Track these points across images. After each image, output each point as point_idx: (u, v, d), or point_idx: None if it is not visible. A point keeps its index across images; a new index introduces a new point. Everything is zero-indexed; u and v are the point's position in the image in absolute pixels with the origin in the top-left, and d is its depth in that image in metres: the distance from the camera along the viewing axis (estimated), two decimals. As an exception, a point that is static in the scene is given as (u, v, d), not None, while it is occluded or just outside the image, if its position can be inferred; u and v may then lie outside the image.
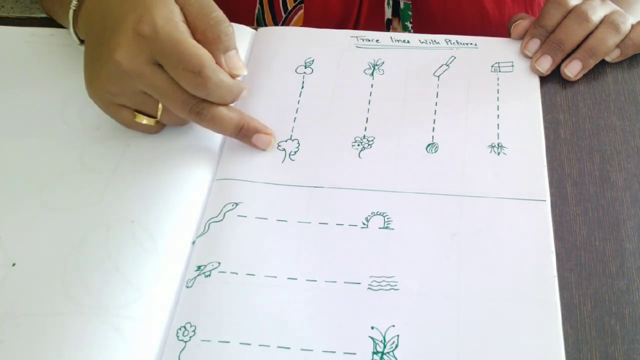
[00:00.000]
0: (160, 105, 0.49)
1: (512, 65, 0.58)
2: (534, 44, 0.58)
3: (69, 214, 0.47)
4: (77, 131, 0.52)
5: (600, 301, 0.44)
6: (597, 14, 0.57)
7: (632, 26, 0.57)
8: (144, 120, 0.50)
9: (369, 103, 0.55)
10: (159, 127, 0.52)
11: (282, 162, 0.51)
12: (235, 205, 0.49)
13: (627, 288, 0.44)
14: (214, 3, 0.50)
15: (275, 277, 0.45)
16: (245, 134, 0.51)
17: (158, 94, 0.48)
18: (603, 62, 0.58)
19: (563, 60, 0.57)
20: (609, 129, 0.54)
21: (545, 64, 0.56)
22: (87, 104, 0.50)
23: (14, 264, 0.44)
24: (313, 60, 0.58)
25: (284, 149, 0.52)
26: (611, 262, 0.46)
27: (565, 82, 0.57)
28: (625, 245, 0.47)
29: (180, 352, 0.42)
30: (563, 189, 0.50)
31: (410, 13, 0.69)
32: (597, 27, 0.57)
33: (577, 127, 0.54)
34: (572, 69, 0.56)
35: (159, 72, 0.47)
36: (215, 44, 0.48)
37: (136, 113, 0.50)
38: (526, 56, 0.58)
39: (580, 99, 0.56)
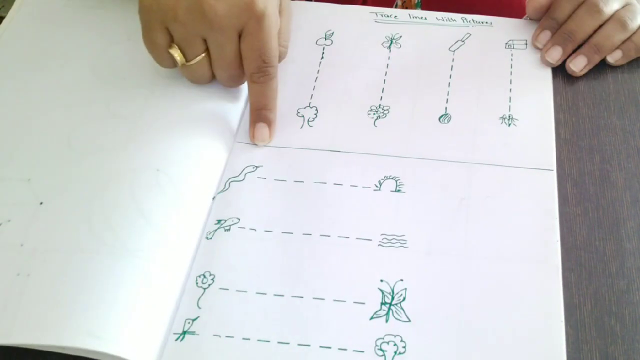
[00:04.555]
0: (201, 56, 0.50)
1: (526, 44, 0.59)
2: (545, 35, 0.58)
3: (95, 158, 0.48)
4: (106, 83, 0.54)
5: (600, 301, 0.44)
6: (609, 6, 0.56)
7: (639, 27, 0.57)
8: (177, 55, 0.50)
9: (386, 74, 0.57)
10: (174, 66, 0.52)
11: (301, 127, 0.54)
12: (255, 168, 0.51)
13: (627, 288, 0.45)
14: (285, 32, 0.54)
15: (292, 233, 0.47)
16: (260, 115, 0.52)
17: (219, 55, 0.50)
18: (603, 62, 0.58)
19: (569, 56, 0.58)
20: (609, 129, 0.54)
21: (556, 55, 0.57)
22: (117, 58, 0.52)
23: (41, 203, 0.46)
24: (333, 33, 0.60)
25: (303, 116, 0.55)
26: (611, 262, 0.46)
27: (566, 82, 0.57)
28: (625, 245, 0.47)
29: (199, 298, 0.44)
30: (563, 189, 0.50)
31: None
32: (605, 23, 0.57)
33: (577, 127, 0.54)
34: (578, 64, 0.57)
35: (236, 43, 0.49)
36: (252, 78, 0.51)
37: (172, 44, 0.50)
38: (537, 48, 0.58)
39: (580, 99, 0.56)
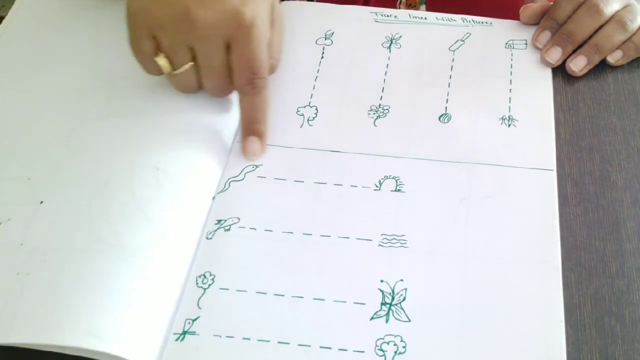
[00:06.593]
0: (187, 65, 0.49)
1: (526, 44, 0.59)
2: (545, 35, 0.58)
3: (94, 157, 0.48)
4: (105, 82, 0.54)
5: (600, 301, 0.44)
6: (609, 7, 0.57)
7: (639, 28, 0.57)
8: (163, 63, 0.49)
9: (386, 74, 0.57)
10: (161, 74, 0.51)
11: (301, 127, 0.54)
12: (255, 167, 0.51)
13: (627, 288, 0.45)
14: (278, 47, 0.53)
15: (292, 233, 0.47)
16: (251, 129, 0.51)
17: (207, 65, 0.49)
18: (603, 62, 0.58)
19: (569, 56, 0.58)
20: (609, 129, 0.54)
21: (555, 55, 0.57)
22: (116, 57, 0.52)
23: (41, 202, 0.46)
24: (333, 33, 0.60)
25: (303, 114, 0.55)
26: (611, 262, 0.46)
27: (566, 82, 0.57)
28: (625, 245, 0.47)
29: (199, 298, 0.44)
30: (563, 189, 0.50)
31: None
32: (605, 23, 0.57)
33: (577, 127, 0.54)
34: (578, 64, 0.57)
35: (224, 53, 0.48)
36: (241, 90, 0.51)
37: (159, 51, 0.49)
38: (537, 48, 0.59)
39: (580, 99, 0.56)
